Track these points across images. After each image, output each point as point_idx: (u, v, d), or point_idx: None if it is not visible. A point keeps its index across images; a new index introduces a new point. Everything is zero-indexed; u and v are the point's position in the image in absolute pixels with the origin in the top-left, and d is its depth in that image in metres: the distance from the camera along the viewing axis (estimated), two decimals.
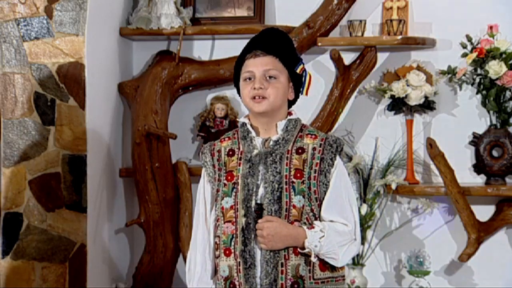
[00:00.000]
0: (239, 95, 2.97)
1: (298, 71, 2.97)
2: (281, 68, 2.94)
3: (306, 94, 3.03)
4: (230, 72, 4.58)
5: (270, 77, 2.92)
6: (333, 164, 2.90)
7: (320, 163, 2.89)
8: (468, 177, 4.46)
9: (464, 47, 4.34)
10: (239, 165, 2.93)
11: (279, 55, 2.94)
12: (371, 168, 4.50)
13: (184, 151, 4.76)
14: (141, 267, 4.64)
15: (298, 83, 2.99)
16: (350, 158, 4.50)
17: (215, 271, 2.97)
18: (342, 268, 2.94)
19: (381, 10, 4.57)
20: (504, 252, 4.45)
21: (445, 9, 4.48)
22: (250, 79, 2.93)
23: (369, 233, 4.49)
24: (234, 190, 2.91)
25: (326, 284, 2.89)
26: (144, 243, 4.66)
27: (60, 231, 4.39)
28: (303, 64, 3.00)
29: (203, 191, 3.02)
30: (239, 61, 2.99)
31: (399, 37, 4.39)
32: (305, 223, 2.87)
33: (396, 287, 4.57)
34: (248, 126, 2.97)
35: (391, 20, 4.44)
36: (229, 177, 2.93)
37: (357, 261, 4.45)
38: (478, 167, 4.41)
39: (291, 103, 3.01)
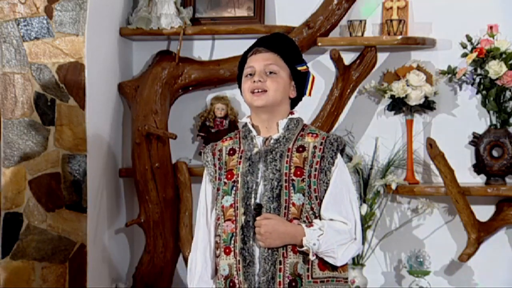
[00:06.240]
0: (242, 94, 2.98)
1: (300, 69, 2.98)
2: (282, 64, 2.95)
3: (309, 94, 3.03)
4: (230, 72, 4.61)
5: (270, 72, 2.93)
6: (334, 163, 2.90)
7: (321, 162, 2.89)
8: (468, 177, 4.46)
9: (464, 47, 4.34)
10: (239, 164, 2.93)
11: (280, 52, 2.95)
12: (371, 168, 4.50)
13: (184, 151, 4.76)
14: (141, 267, 4.64)
15: (300, 82, 3.00)
16: (350, 158, 4.50)
17: (216, 271, 2.97)
18: (344, 269, 2.91)
19: (381, 10, 4.57)
20: (504, 252, 4.45)
21: (445, 9, 4.48)
22: (251, 75, 2.94)
23: (369, 233, 4.49)
24: (234, 188, 2.91)
25: (326, 283, 2.87)
26: (144, 243, 4.66)
27: (60, 231, 4.39)
28: (307, 66, 3.01)
29: (204, 191, 3.02)
30: (242, 60, 3.01)
31: (399, 37, 4.39)
32: (304, 221, 2.86)
33: (396, 287, 4.57)
34: (249, 125, 2.98)
35: (391, 20, 4.44)
36: (229, 176, 2.93)
37: (357, 261, 4.45)
38: (478, 167, 4.41)
39: (294, 103, 3.02)
